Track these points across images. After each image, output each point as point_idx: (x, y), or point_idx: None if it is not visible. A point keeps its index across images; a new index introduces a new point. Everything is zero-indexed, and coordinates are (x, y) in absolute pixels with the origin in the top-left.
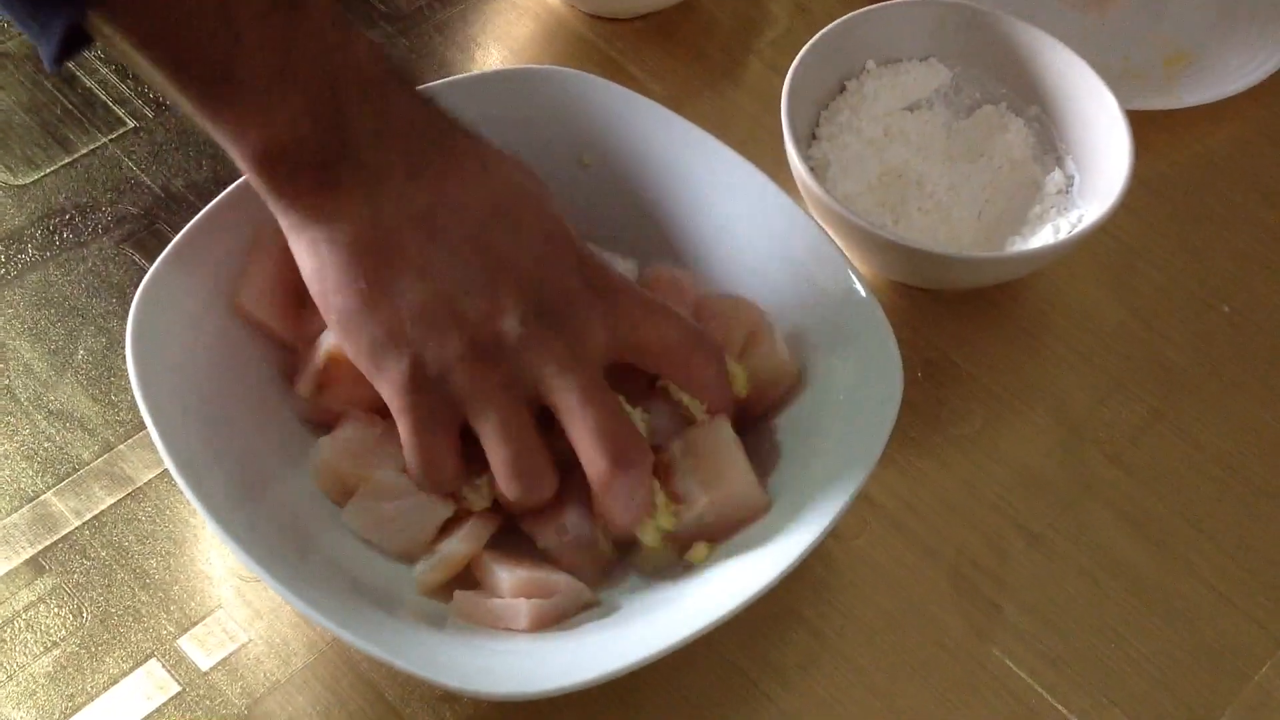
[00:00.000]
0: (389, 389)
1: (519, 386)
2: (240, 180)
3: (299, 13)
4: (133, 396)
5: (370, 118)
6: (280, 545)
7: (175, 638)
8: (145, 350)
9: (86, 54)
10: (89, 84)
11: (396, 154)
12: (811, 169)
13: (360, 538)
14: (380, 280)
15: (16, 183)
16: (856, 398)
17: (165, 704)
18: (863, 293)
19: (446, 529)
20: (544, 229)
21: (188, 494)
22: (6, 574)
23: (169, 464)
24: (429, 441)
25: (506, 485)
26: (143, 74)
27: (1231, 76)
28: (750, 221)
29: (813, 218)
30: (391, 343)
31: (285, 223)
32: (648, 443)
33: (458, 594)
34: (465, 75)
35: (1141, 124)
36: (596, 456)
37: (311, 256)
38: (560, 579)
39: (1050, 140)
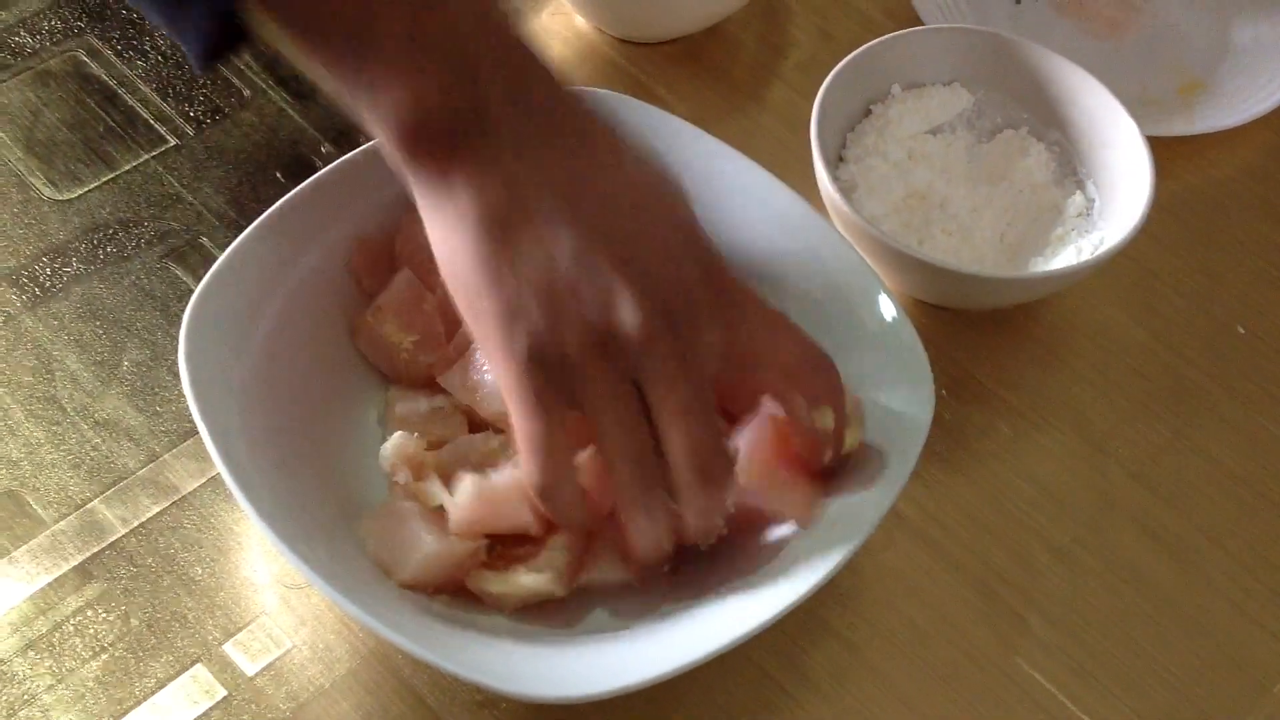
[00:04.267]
0: (503, 363)
1: (631, 379)
2: (287, 196)
3: None
4: (177, 407)
5: (506, 88)
6: (328, 551)
7: (221, 643)
8: (198, 361)
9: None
10: (130, 102)
11: (532, 127)
12: (839, 190)
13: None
14: (505, 252)
15: (61, 198)
16: (889, 414)
17: (211, 708)
18: (895, 311)
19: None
20: (675, 228)
21: (240, 501)
22: (55, 580)
23: (224, 472)
24: (541, 431)
25: (615, 471)
26: (290, 56)
27: (1245, 104)
28: (782, 239)
29: (845, 237)
30: (511, 317)
31: (419, 193)
32: (733, 464)
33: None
34: None
35: (1157, 149)
36: (684, 468)
37: (442, 230)
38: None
39: (1071, 164)
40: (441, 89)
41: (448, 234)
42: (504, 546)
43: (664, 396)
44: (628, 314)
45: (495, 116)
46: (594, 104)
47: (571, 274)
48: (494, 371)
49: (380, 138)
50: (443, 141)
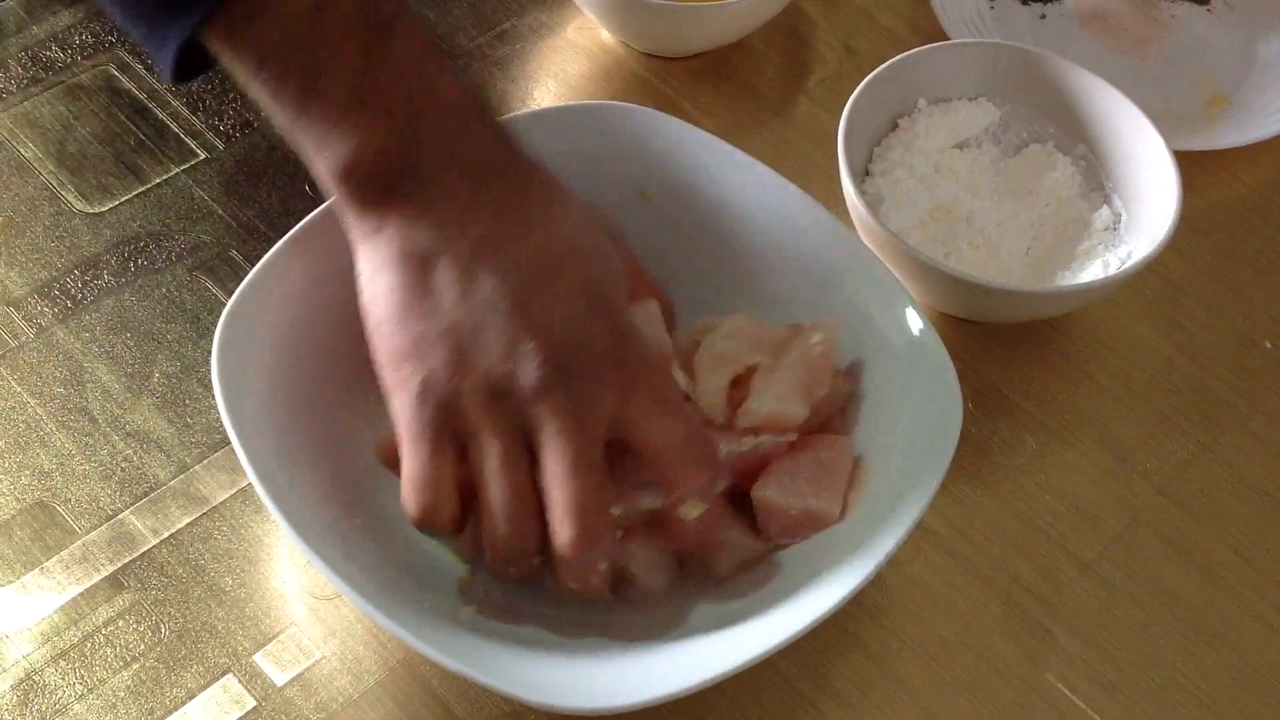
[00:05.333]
0: (399, 399)
1: (521, 432)
2: (318, 209)
3: (386, 37)
4: (207, 418)
5: (443, 144)
6: (358, 562)
7: (250, 653)
8: (230, 373)
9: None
10: (161, 116)
11: (463, 181)
12: (866, 204)
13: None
14: (417, 296)
15: (92, 211)
16: (916, 427)
17: (241, 719)
18: (922, 325)
19: None
20: (587, 289)
21: (273, 512)
22: (87, 590)
23: (255, 483)
24: (425, 459)
25: (492, 526)
26: (246, 90)
27: (1270, 118)
28: (809, 253)
29: (871, 251)
30: (413, 355)
31: (355, 233)
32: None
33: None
34: (531, 110)
35: (1182, 164)
36: (566, 527)
37: (367, 270)
38: None
39: (1097, 178)
40: (380, 143)
41: (373, 273)
42: None
43: (552, 450)
44: (526, 366)
45: (429, 172)
46: (535, 161)
47: (477, 319)
48: (390, 406)
49: (322, 180)
50: (378, 190)
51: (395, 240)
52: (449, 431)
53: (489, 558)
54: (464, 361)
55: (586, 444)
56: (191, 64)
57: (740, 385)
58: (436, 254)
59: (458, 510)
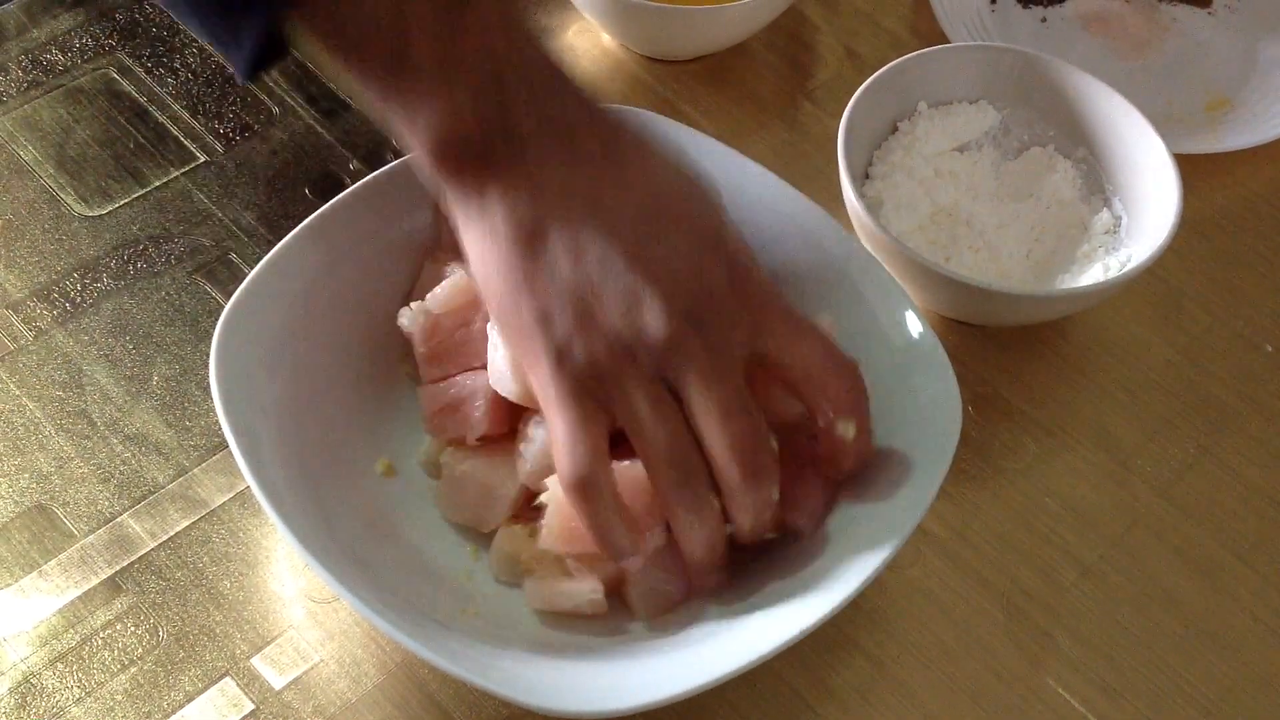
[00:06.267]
0: (538, 372)
1: (663, 380)
2: (316, 212)
3: (468, 7)
4: (206, 422)
5: (534, 108)
6: (356, 566)
7: (249, 657)
8: (228, 376)
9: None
10: (161, 119)
11: (558, 144)
12: (866, 207)
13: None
14: (535, 263)
15: (92, 214)
16: (916, 431)
17: None
18: (922, 328)
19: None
20: (698, 232)
21: (271, 515)
22: (85, 593)
23: (254, 486)
24: (575, 420)
25: (659, 473)
26: (332, 72)
27: (1272, 122)
28: (809, 256)
29: (871, 254)
30: (542, 325)
31: (454, 207)
32: (777, 458)
33: (528, 583)
34: None
35: (1184, 167)
36: (730, 466)
37: (476, 243)
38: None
39: (1098, 182)
40: (473, 110)
41: (482, 247)
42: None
43: (700, 395)
44: (652, 316)
45: (524, 134)
46: (622, 116)
47: (597, 280)
48: (530, 380)
49: (416, 154)
50: (474, 159)
51: (499, 210)
52: (592, 393)
53: (667, 509)
54: (592, 322)
55: (731, 385)
56: (263, 57)
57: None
58: (544, 220)
59: (611, 473)
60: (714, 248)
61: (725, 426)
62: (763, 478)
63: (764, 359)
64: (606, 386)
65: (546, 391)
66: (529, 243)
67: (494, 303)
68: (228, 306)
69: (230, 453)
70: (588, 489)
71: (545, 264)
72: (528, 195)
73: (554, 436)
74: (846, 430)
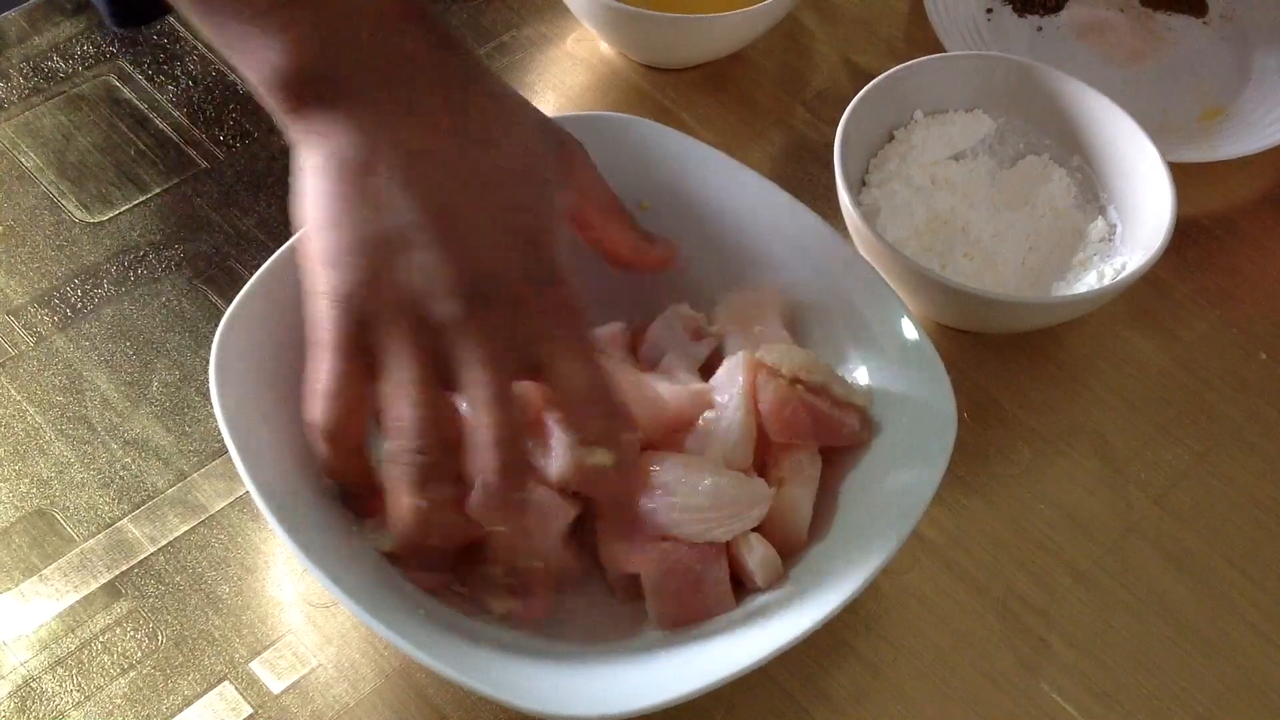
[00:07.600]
0: (319, 304)
1: (433, 354)
2: None
3: None
4: (205, 427)
5: (373, 49)
6: (354, 570)
7: (247, 661)
8: (228, 381)
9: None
10: (161, 126)
11: (394, 89)
12: (862, 215)
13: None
14: (347, 205)
15: (92, 220)
16: (910, 438)
17: None
18: (917, 334)
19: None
20: (523, 223)
21: (270, 521)
22: (84, 598)
23: (253, 492)
24: (337, 368)
25: (397, 447)
26: (181, 12)
27: (1266, 130)
28: (806, 263)
29: (867, 261)
30: (338, 262)
31: (294, 142)
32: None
33: None
34: None
35: (1178, 175)
36: (491, 456)
37: (301, 169)
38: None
39: (1092, 189)
40: (305, 48)
41: (306, 181)
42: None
43: (468, 379)
44: (444, 291)
45: (356, 76)
46: (487, 70)
47: (404, 235)
48: (310, 309)
49: (256, 88)
50: (310, 99)
51: (329, 143)
52: (362, 344)
53: (386, 476)
54: (386, 277)
55: (500, 378)
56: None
57: None
58: (371, 161)
59: (362, 427)
60: (531, 242)
61: (488, 415)
62: (513, 471)
63: (536, 368)
64: (377, 343)
65: (319, 332)
66: (351, 181)
67: (304, 236)
68: (228, 312)
69: (230, 458)
70: (333, 439)
71: (358, 205)
72: (357, 134)
73: (311, 379)
74: (591, 457)
